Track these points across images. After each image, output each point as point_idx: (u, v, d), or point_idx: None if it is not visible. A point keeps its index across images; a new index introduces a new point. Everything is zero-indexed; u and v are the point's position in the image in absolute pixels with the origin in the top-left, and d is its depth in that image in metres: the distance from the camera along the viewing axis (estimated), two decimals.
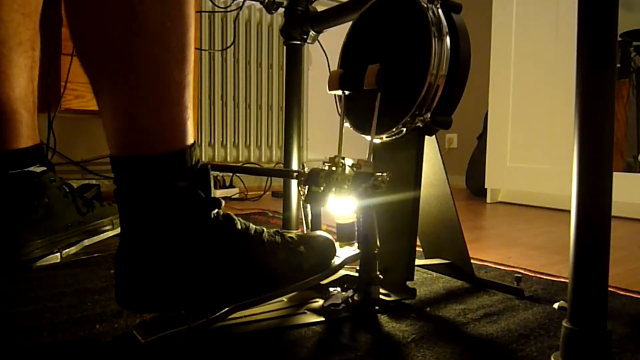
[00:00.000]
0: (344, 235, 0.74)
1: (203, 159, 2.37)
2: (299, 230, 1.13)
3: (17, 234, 0.85)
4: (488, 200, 2.22)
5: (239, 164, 2.43)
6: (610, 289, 0.63)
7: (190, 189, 0.54)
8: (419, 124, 0.70)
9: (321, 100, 2.64)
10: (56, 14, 1.52)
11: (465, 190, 2.63)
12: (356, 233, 0.73)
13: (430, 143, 0.76)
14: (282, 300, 0.67)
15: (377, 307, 0.66)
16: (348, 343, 0.56)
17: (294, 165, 1.14)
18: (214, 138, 2.40)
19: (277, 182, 2.29)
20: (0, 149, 0.87)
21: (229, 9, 2.30)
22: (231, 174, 2.22)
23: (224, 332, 0.57)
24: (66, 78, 1.56)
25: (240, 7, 2.35)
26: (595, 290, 0.47)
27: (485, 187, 2.21)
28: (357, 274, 0.67)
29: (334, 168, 0.69)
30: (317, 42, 1.16)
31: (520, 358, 0.53)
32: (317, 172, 0.70)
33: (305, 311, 0.64)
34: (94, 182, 1.84)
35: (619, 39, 1.86)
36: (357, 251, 0.68)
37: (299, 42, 1.14)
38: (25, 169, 0.88)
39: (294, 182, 1.12)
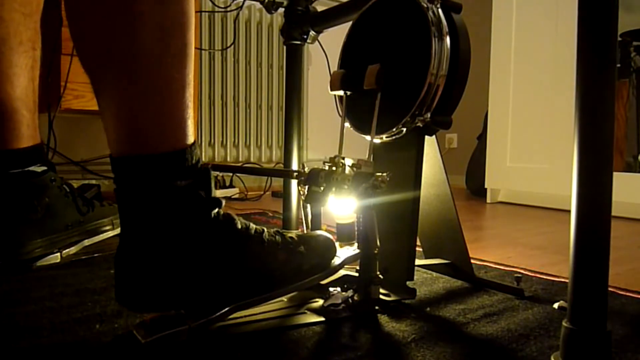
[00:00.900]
0: (344, 235, 0.74)
1: (203, 159, 2.36)
2: (299, 230, 1.13)
3: (18, 233, 0.85)
4: (488, 200, 2.22)
5: (239, 164, 2.43)
6: (610, 289, 0.63)
7: (191, 188, 0.54)
8: (419, 124, 0.70)
9: (321, 100, 2.64)
10: (56, 13, 1.52)
11: (465, 190, 2.63)
12: (356, 233, 0.73)
13: (430, 143, 0.76)
14: (282, 300, 0.67)
15: (377, 307, 0.66)
16: (348, 343, 0.56)
17: (294, 165, 1.14)
18: (214, 138, 2.40)
19: (277, 182, 2.29)
20: (0, 148, 0.87)
21: (229, 9, 2.30)
22: (231, 174, 2.22)
23: (224, 332, 0.57)
24: (66, 78, 1.56)
25: (240, 7, 2.35)
26: (595, 290, 0.47)
27: (485, 187, 2.21)
28: (357, 274, 0.67)
29: (334, 168, 0.69)
30: (317, 42, 1.16)
31: (520, 358, 0.53)
32: (317, 172, 0.70)
33: (305, 311, 0.64)
34: (94, 182, 1.84)
35: (619, 39, 1.86)
36: (357, 251, 0.68)
37: (299, 42, 1.14)
38: (26, 169, 0.88)
39: (294, 182, 1.12)
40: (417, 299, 0.71)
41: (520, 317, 0.65)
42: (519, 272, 0.86)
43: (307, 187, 0.72)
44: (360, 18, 0.82)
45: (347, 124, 0.80)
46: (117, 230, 1.03)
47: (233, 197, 2.10)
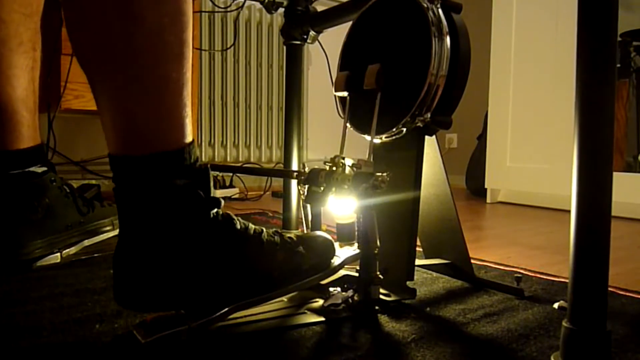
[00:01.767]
0: (344, 235, 0.74)
1: (203, 159, 2.37)
2: (299, 230, 1.13)
3: (18, 234, 0.85)
4: (488, 200, 2.22)
5: (239, 164, 2.43)
6: (610, 289, 0.63)
7: (190, 187, 0.54)
8: (419, 124, 0.70)
9: (321, 100, 2.64)
10: (56, 14, 1.52)
11: (465, 190, 2.63)
12: (356, 233, 0.73)
13: (430, 143, 0.76)
14: (282, 300, 0.67)
15: (377, 307, 0.66)
16: (348, 343, 0.56)
17: (294, 165, 1.14)
18: (214, 138, 2.40)
19: (277, 182, 2.29)
20: (1, 149, 0.87)
21: (229, 9, 2.30)
22: (231, 174, 2.22)
23: (224, 332, 0.57)
24: (66, 78, 1.56)
25: (240, 7, 2.35)
26: (595, 290, 0.47)
27: (485, 187, 2.21)
28: (357, 274, 0.67)
29: (334, 168, 0.69)
30: (317, 42, 1.16)
31: (520, 358, 0.53)
32: (317, 172, 0.70)
33: (305, 311, 0.64)
34: (93, 182, 1.84)
35: (619, 39, 1.86)
36: (357, 251, 0.68)
37: (299, 42, 1.14)
38: (26, 170, 0.88)
39: (294, 182, 1.13)
40: (417, 299, 0.71)
41: (520, 317, 0.65)
42: (519, 272, 0.86)
43: (307, 187, 0.72)
44: (360, 18, 0.82)
45: (347, 124, 0.80)
46: (117, 231, 1.03)
47: (233, 197, 2.10)
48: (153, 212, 0.53)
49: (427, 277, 0.85)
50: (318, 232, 0.69)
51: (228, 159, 2.45)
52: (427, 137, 0.73)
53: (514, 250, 1.15)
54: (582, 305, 0.47)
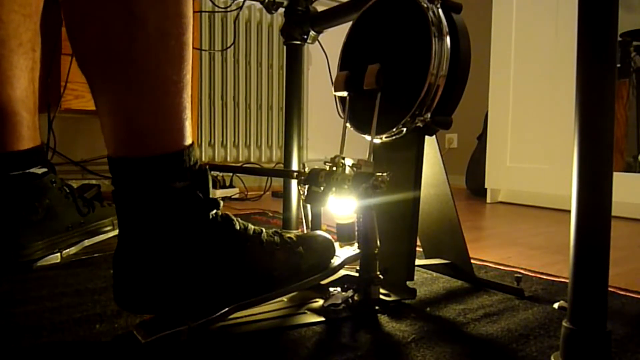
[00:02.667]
0: (344, 235, 0.74)
1: (203, 159, 2.37)
2: (299, 230, 1.13)
3: (18, 235, 0.85)
4: (488, 200, 2.22)
5: (239, 164, 2.43)
6: (610, 289, 0.63)
7: (189, 189, 0.54)
8: (419, 124, 0.70)
9: (321, 100, 2.64)
10: (56, 14, 1.52)
11: (465, 190, 2.63)
12: (356, 233, 0.73)
13: (430, 143, 0.76)
14: (282, 300, 0.67)
15: (377, 307, 0.66)
16: (348, 343, 0.56)
17: (294, 165, 1.14)
18: (214, 138, 2.40)
19: (277, 182, 2.29)
20: (1, 150, 0.87)
21: (229, 9, 2.30)
22: (231, 174, 2.22)
23: (224, 332, 0.57)
24: (66, 78, 1.56)
25: (240, 7, 2.35)
26: (595, 290, 0.47)
27: (485, 187, 2.21)
28: (357, 274, 0.67)
29: (334, 168, 0.69)
30: (317, 42, 1.16)
31: (520, 358, 0.53)
32: (317, 172, 0.70)
33: (305, 311, 0.64)
34: (94, 182, 1.84)
35: (619, 39, 1.86)
36: (357, 251, 0.68)
37: (299, 42, 1.14)
38: (27, 171, 0.88)
39: (294, 182, 1.13)
40: (417, 299, 0.71)
41: (520, 317, 0.65)
42: (519, 272, 0.86)
43: (307, 187, 0.72)
44: (360, 18, 0.82)
45: (347, 124, 0.80)
46: (117, 231, 1.03)
47: (233, 197, 2.10)
48: (152, 214, 0.53)
49: (427, 277, 0.85)
50: (318, 232, 0.69)
51: (228, 159, 2.45)
52: (427, 137, 0.73)
53: (514, 250, 1.15)
54: (582, 305, 0.47)
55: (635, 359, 0.53)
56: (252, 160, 2.51)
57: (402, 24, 0.73)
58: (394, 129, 0.72)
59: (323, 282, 0.67)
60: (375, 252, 0.65)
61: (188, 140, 0.55)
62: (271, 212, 1.67)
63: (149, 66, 0.51)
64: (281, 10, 1.15)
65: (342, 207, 0.72)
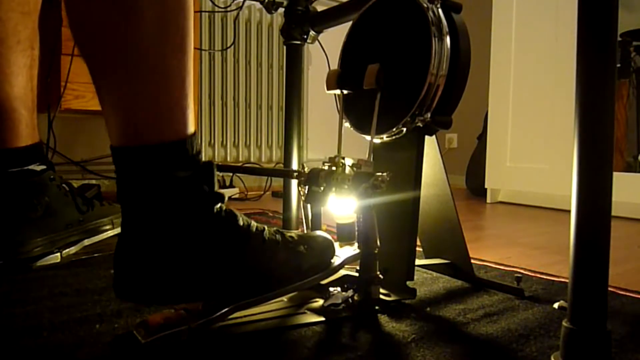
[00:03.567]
0: (344, 235, 0.74)
1: (203, 159, 2.36)
2: (299, 230, 1.13)
3: (17, 232, 0.85)
4: (488, 200, 2.22)
5: (239, 164, 2.43)
6: (610, 289, 0.63)
7: (192, 180, 0.54)
8: (419, 124, 0.70)
9: (321, 100, 2.64)
10: (56, 13, 1.52)
11: (465, 190, 2.63)
12: (356, 233, 0.73)
13: (430, 143, 0.76)
14: (282, 300, 0.67)
15: (377, 307, 0.66)
16: (348, 343, 0.56)
17: (294, 165, 1.14)
18: (214, 138, 2.40)
19: (277, 182, 2.29)
20: None
21: (229, 9, 2.30)
22: (231, 174, 2.22)
23: (224, 332, 0.57)
24: (66, 78, 1.56)
25: (240, 7, 2.35)
26: (595, 290, 0.47)
27: (485, 187, 2.21)
28: (357, 274, 0.67)
29: (334, 168, 0.69)
30: (317, 42, 1.16)
31: (520, 358, 0.53)
32: (317, 172, 0.70)
33: (305, 311, 0.64)
34: (94, 182, 1.84)
35: (619, 39, 1.86)
36: (357, 251, 0.68)
37: (299, 42, 1.14)
38: (25, 168, 0.88)
39: (294, 182, 1.12)
40: (417, 299, 0.71)
41: (520, 317, 0.65)
42: (519, 272, 0.86)
43: (307, 187, 0.72)
44: (360, 18, 0.82)
45: (347, 124, 0.80)
46: (117, 230, 1.03)
47: (233, 197, 2.10)
48: (154, 204, 0.53)
49: (427, 277, 0.85)
50: (318, 232, 0.69)
51: (228, 159, 2.45)
52: (427, 137, 0.73)
53: (514, 250, 1.15)
54: (582, 305, 0.47)
55: (635, 359, 0.53)
56: (252, 160, 2.51)
57: (402, 23, 0.73)
58: (394, 129, 0.72)
59: (323, 282, 0.67)
60: (375, 252, 0.65)
61: (190, 129, 0.55)
62: (271, 212, 1.67)
63: (149, 54, 0.51)
64: (281, 10, 1.15)
65: (342, 207, 0.72)
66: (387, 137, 0.74)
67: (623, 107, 1.99)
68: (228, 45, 2.37)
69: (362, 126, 0.77)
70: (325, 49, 1.20)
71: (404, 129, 0.72)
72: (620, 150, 1.96)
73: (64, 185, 0.95)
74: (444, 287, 0.79)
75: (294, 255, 0.62)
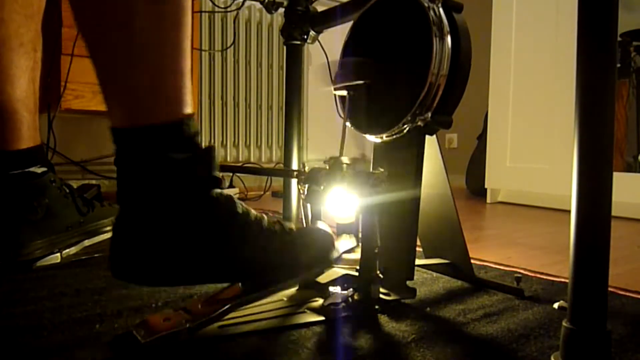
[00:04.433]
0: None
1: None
2: None
3: (18, 234, 0.85)
4: (488, 200, 2.22)
5: (239, 164, 2.43)
6: (610, 289, 0.63)
7: (190, 162, 0.53)
8: (420, 124, 0.70)
9: (321, 100, 2.64)
10: (56, 14, 1.52)
11: (465, 190, 2.63)
12: (359, 234, 0.73)
13: (430, 143, 0.76)
14: (282, 300, 0.67)
15: (377, 307, 0.66)
16: (348, 343, 0.56)
17: (294, 165, 1.14)
18: (213, 138, 2.40)
19: (277, 182, 2.29)
20: (0, 149, 0.87)
21: (229, 9, 2.30)
22: (231, 174, 2.22)
23: (224, 332, 0.57)
24: (66, 78, 1.56)
25: (240, 7, 2.35)
26: (595, 290, 0.47)
27: (485, 187, 2.21)
28: (357, 274, 0.67)
29: (334, 168, 0.69)
30: (317, 42, 1.16)
31: (520, 358, 0.53)
32: (317, 172, 0.70)
33: (305, 311, 0.64)
34: (94, 182, 1.84)
35: (619, 39, 1.86)
36: (355, 243, 0.68)
37: (299, 42, 1.14)
38: (26, 170, 0.88)
39: (294, 182, 1.12)
40: (417, 299, 0.71)
41: (520, 317, 0.65)
42: (519, 272, 0.86)
43: (307, 186, 0.72)
44: (361, 18, 0.82)
45: (347, 123, 0.80)
46: None
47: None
48: (151, 185, 0.52)
49: (427, 277, 0.85)
50: (319, 224, 0.68)
51: (228, 159, 2.45)
52: (427, 137, 0.73)
53: (514, 250, 1.15)
54: (582, 305, 0.47)
55: (636, 359, 0.53)
56: (252, 160, 2.51)
57: (403, 23, 0.73)
58: (395, 128, 0.72)
59: (323, 282, 0.67)
60: (376, 251, 0.65)
61: (187, 110, 0.55)
62: (271, 212, 1.67)
63: (145, 29, 0.51)
64: (281, 10, 1.15)
65: (342, 207, 0.72)
66: (387, 136, 0.74)
67: (623, 107, 1.99)
68: (228, 45, 2.37)
69: (361, 125, 0.77)
70: (325, 49, 1.20)
71: (405, 129, 0.72)
72: (620, 150, 1.96)
73: (64, 187, 0.95)
74: (444, 287, 0.79)
75: (291, 246, 0.61)
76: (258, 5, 2.02)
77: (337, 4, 1.05)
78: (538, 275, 0.88)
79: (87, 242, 0.97)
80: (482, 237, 1.35)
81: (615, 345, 0.55)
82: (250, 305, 0.62)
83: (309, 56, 2.49)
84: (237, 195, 2.13)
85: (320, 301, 0.67)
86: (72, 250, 0.93)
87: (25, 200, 0.87)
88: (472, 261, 0.82)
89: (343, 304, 0.65)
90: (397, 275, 0.70)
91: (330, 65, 0.82)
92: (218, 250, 0.55)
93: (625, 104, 2.00)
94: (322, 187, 0.69)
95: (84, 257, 0.92)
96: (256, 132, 2.53)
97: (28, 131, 0.89)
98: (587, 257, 0.47)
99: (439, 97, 0.69)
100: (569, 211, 0.48)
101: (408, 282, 0.69)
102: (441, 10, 0.70)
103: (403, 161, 0.73)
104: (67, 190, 0.96)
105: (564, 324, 0.48)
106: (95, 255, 0.94)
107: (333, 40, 1.16)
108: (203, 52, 2.30)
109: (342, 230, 0.74)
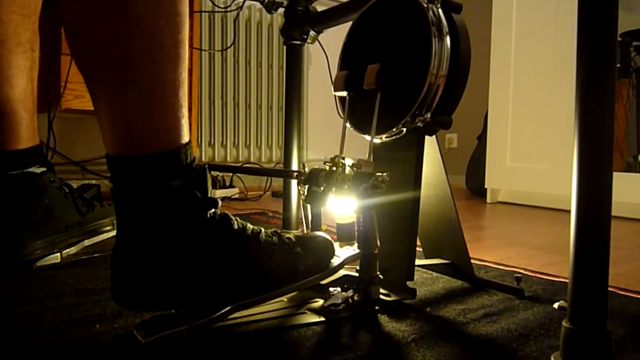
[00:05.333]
0: (344, 235, 0.74)
1: (203, 159, 2.37)
2: (299, 230, 1.13)
3: (18, 234, 0.85)
4: (488, 200, 2.22)
5: (239, 164, 2.43)
6: (610, 289, 0.63)
7: (186, 188, 0.54)
8: (419, 124, 0.70)
9: (321, 100, 2.64)
10: (56, 14, 1.52)
11: (465, 190, 2.63)
12: (356, 233, 0.73)
13: (430, 143, 0.76)
14: (282, 300, 0.67)
15: (377, 307, 0.66)
16: (348, 343, 0.56)
17: (294, 165, 1.14)
18: (214, 138, 2.40)
19: (277, 182, 2.29)
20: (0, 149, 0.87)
21: (229, 9, 2.30)
22: (231, 174, 2.22)
23: (224, 332, 0.57)
24: (66, 78, 1.56)
25: (240, 7, 2.35)
26: (595, 290, 0.47)
27: (485, 187, 2.21)
28: (357, 274, 0.67)
29: (334, 168, 0.69)
30: (317, 42, 1.16)
31: (520, 358, 0.53)
32: (317, 172, 0.70)
33: (305, 311, 0.64)
34: (93, 182, 1.84)
35: (619, 39, 1.86)
36: (357, 251, 0.68)
37: (299, 42, 1.14)
38: (25, 170, 0.88)
39: (294, 182, 1.13)
40: (417, 299, 0.71)
41: (520, 317, 0.65)
42: (519, 272, 0.86)
43: (307, 187, 0.72)
44: (361, 18, 0.82)
45: (347, 124, 0.80)
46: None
47: (233, 197, 2.10)
48: (149, 212, 0.53)
49: (427, 277, 0.85)
50: (317, 233, 0.69)
51: (228, 159, 2.45)
52: (427, 137, 0.73)
53: (514, 250, 1.15)
54: (582, 305, 0.47)
55: (635, 359, 0.53)
56: (252, 160, 2.51)
57: (402, 24, 0.73)
58: (394, 129, 0.72)
59: (323, 282, 0.67)
60: (375, 252, 0.65)
61: (185, 139, 0.55)
62: (271, 212, 1.67)
63: (143, 64, 0.51)
64: (281, 10, 1.15)
65: (342, 207, 0.72)
66: (387, 137, 0.74)
67: (623, 107, 1.99)
68: (228, 45, 2.37)
69: (362, 126, 0.77)
70: (325, 49, 1.20)
71: (404, 129, 0.72)
72: (620, 150, 1.96)
73: (63, 187, 0.95)
74: (444, 287, 0.79)
75: (291, 256, 0.62)
76: (258, 5, 2.03)
77: (337, 4, 1.05)
78: (538, 275, 0.88)
79: (87, 242, 0.97)
80: (482, 237, 1.35)
81: (615, 345, 0.55)
82: None
83: (309, 56, 2.50)
84: (237, 195, 2.13)
85: (320, 302, 0.67)
86: (72, 250, 0.93)
87: (25, 200, 0.87)
88: (472, 261, 0.82)
89: (343, 304, 0.65)
90: (397, 275, 0.70)
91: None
92: (218, 269, 0.56)
93: (625, 104, 2.00)
94: (322, 188, 0.69)
95: (84, 257, 0.92)
96: (256, 132, 2.53)
97: (27, 131, 0.89)
98: (587, 257, 0.47)
99: (438, 98, 0.69)
100: (569, 211, 0.48)
101: (408, 283, 0.69)
102: (440, 10, 0.70)
103: (403, 162, 0.73)
104: (67, 190, 0.96)
105: (564, 324, 0.48)
106: (95, 255, 0.94)
107: (333, 40, 1.16)
108: (203, 52, 2.30)
109: (342, 230, 0.74)
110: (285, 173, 0.98)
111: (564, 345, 0.48)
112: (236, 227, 0.58)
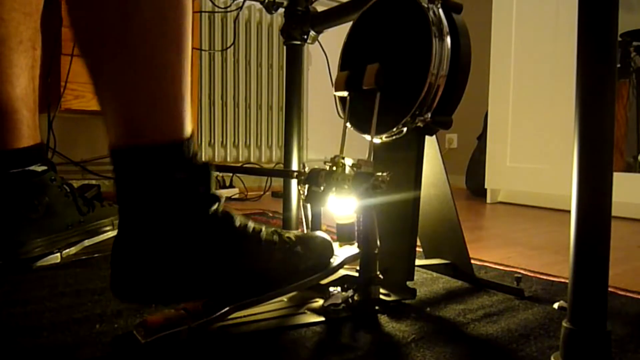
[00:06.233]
0: (344, 235, 0.74)
1: (203, 159, 2.37)
2: (299, 230, 1.13)
3: (18, 233, 0.85)
4: (488, 200, 2.22)
5: (239, 164, 2.43)
6: (610, 289, 0.63)
7: (189, 182, 0.54)
8: (420, 124, 0.70)
9: (321, 100, 2.64)
10: (56, 13, 1.52)
11: (465, 190, 2.63)
12: (356, 233, 0.73)
13: (430, 143, 0.76)
14: (282, 300, 0.67)
15: (377, 307, 0.66)
16: (348, 343, 0.56)
17: (294, 165, 1.14)
18: (214, 138, 2.40)
19: (277, 182, 2.29)
20: (1, 148, 0.87)
21: (229, 9, 2.30)
22: (231, 174, 2.22)
23: (224, 332, 0.57)
24: (66, 78, 1.56)
25: (240, 7, 2.35)
26: (595, 290, 0.47)
27: (485, 187, 2.21)
28: (357, 274, 0.67)
29: (334, 168, 0.69)
30: (317, 42, 1.16)
31: (520, 358, 0.53)
32: (317, 172, 0.70)
33: (305, 311, 0.64)
34: (94, 182, 1.84)
35: (619, 39, 1.86)
36: (357, 251, 0.68)
37: (299, 42, 1.14)
38: (26, 168, 0.88)
39: (294, 182, 1.12)
40: (417, 299, 0.71)
41: (520, 317, 0.65)
42: (519, 272, 0.86)
43: (307, 187, 0.72)
44: (361, 18, 0.82)
45: (347, 124, 0.80)
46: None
47: (233, 197, 2.10)
48: (151, 204, 0.53)
49: (427, 277, 0.85)
50: (317, 233, 0.69)
51: (228, 159, 2.45)
52: (427, 137, 0.73)
53: (514, 250, 1.15)
54: (582, 305, 0.47)
55: (635, 359, 0.53)
56: (252, 160, 2.51)
57: (403, 24, 0.73)
58: (394, 129, 0.72)
59: (323, 282, 0.67)
60: (375, 252, 0.65)
61: (187, 131, 0.55)
62: (271, 212, 1.67)
63: (145, 51, 0.51)
64: (281, 10, 1.15)
65: (342, 207, 0.72)
66: (387, 137, 0.74)
67: (623, 107, 1.99)
68: (228, 45, 2.37)
69: (362, 126, 0.77)
70: (325, 49, 1.20)
71: (404, 129, 0.72)
72: (620, 150, 1.96)
73: (64, 186, 0.95)
74: (444, 287, 0.79)
75: (291, 256, 0.62)
76: (258, 5, 2.03)
77: (337, 4, 1.05)
78: (538, 275, 0.88)
79: (87, 242, 0.97)
80: (482, 237, 1.35)
81: (615, 345, 0.55)
82: None
83: (309, 56, 2.49)
84: (237, 195, 2.13)
85: (320, 302, 0.67)
86: (72, 250, 0.93)
87: (26, 199, 0.87)
88: (472, 261, 0.82)
89: (343, 304, 0.65)
90: (397, 275, 0.70)
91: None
92: (218, 265, 0.56)
93: (625, 104, 2.00)
94: (321, 188, 0.69)
95: (84, 257, 0.92)
96: (256, 132, 2.53)
97: (28, 130, 0.89)
98: (587, 257, 0.47)
99: (438, 98, 0.69)
100: (569, 211, 0.48)
101: (408, 283, 0.69)
102: (440, 10, 0.70)
103: (403, 162, 0.73)
104: (68, 189, 0.96)
105: (564, 324, 0.48)
106: (95, 255, 0.94)
107: (333, 40, 1.16)
108: (203, 52, 2.30)
109: (342, 230, 0.74)
110: (285, 173, 0.98)
111: (564, 345, 0.48)
112: (237, 224, 0.58)
